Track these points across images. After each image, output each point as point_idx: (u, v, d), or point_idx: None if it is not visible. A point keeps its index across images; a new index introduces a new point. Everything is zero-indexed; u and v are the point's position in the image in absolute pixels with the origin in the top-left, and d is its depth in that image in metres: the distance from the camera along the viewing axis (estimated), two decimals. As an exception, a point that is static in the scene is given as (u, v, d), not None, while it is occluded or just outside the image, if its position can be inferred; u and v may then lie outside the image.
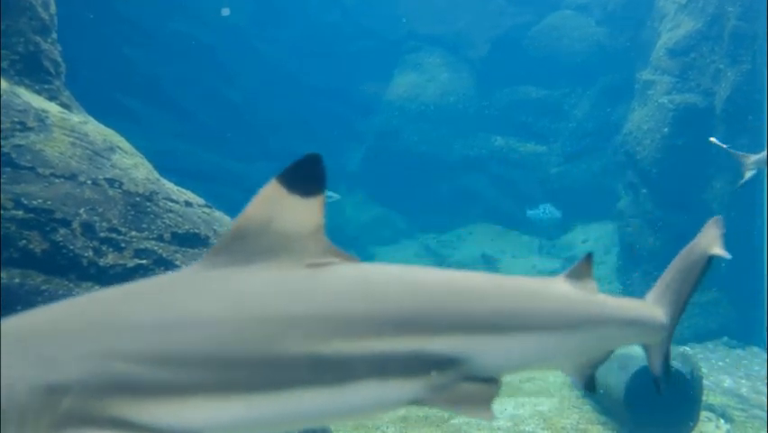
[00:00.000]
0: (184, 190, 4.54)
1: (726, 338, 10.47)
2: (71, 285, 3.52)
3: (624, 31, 14.93)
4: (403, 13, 17.21)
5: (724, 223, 2.92)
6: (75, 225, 3.63)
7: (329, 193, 12.46)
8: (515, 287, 2.22)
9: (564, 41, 15.95)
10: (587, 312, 2.31)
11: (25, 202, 3.55)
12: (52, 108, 4.25)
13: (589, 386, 2.44)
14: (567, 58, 15.91)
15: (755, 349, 10.00)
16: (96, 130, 4.46)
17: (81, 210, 3.68)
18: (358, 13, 17.30)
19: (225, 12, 15.36)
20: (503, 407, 7.39)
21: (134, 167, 4.32)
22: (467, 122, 16.48)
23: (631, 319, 2.50)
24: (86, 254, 3.60)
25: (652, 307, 2.66)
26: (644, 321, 2.55)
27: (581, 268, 2.41)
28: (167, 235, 3.92)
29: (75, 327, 1.63)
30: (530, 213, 14.43)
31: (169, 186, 4.46)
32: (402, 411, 7.19)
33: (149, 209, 4.00)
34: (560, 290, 2.30)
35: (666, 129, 11.48)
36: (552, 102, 16.05)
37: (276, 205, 1.83)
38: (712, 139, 4.49)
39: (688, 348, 9.52)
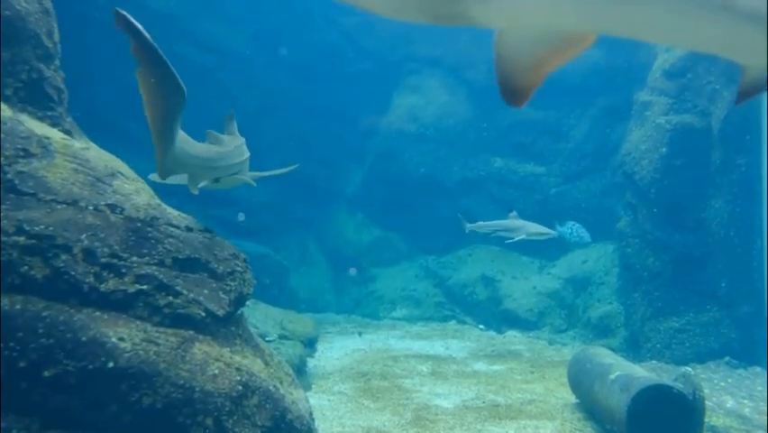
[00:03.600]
0: (185, 215, 4.56)
1: (728, 358, 10.42)
2: (72, 311, 3.52)
3: (621, 52, 15.02)
4: (402, 35, 17.37)
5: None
6: (76, 250, 3.64)
7: (546, 229, 11.85)
8: None
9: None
10: None
11: (27, 228, 3.57)
12: (55, 135, 4.29)
13: None
14: (565, 79, 15.99)
15: (758, 369, 9.96)
16: (98, 156, 4.50)
17: (83, 236, 3.69)
18: (357, 35, 17.46)
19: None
20: (504, 430, 7.35)
21: (136, 192, 4.34)
22: (466, 143, 16.56)
23: None
24: (87, 280, 3.61)
25: None
26: None
27: None
28: (168, 261, 3.93)
29: None
30: (559, 229, 14.09)
31: (171, 211, 4.49)
32: (403, 435, 7.15)
33: (150, 235, 4.02)
34: None
35: (664, 149, 11.53)
36: (550, 123, 16.11)
37: None
38: None
39: (689, 369, 9.49)
